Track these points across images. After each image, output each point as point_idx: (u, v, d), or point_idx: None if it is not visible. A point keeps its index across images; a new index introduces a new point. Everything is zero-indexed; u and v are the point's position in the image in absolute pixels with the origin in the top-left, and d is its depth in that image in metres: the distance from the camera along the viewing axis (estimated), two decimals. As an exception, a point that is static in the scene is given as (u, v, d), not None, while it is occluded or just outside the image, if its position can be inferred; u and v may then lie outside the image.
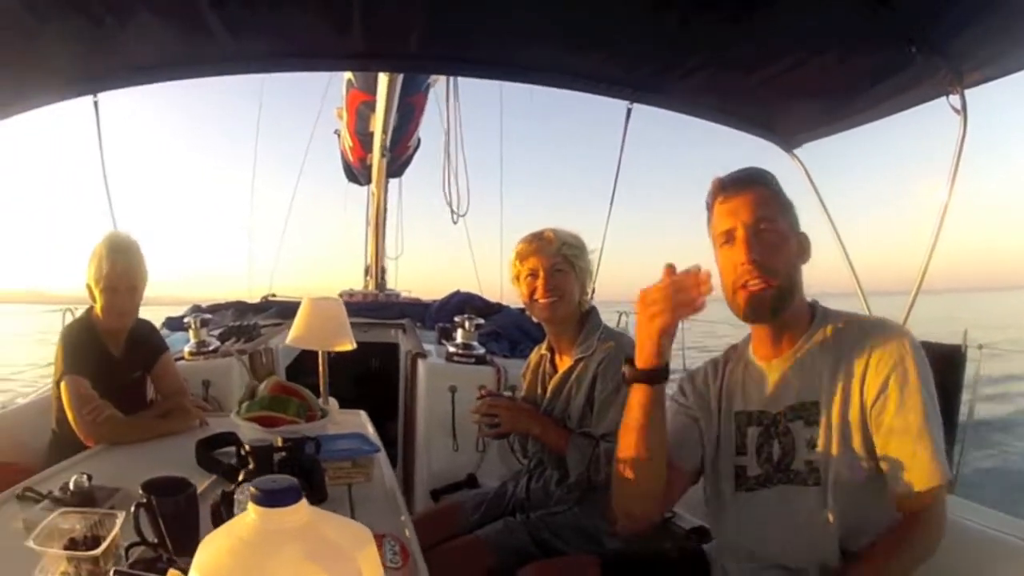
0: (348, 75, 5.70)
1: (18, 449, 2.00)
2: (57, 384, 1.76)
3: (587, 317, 1.64)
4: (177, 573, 0.81)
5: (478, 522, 1.65)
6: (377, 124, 4.95)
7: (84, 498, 1.15)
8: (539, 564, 1.38)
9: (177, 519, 0.93)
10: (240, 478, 1.00)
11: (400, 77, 4.13)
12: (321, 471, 1.18)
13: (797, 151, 2.36)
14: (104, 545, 0.86)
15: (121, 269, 1.79)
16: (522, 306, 3.72)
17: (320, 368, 1.98)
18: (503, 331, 3.13)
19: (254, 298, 4.70)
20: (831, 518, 1.03)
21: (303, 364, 3.15)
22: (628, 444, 1.07)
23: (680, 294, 0.94)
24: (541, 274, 1.57)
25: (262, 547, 0.48)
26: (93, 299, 1.84)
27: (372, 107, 5.23)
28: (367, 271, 6.17)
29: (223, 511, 0.96)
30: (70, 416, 1.67)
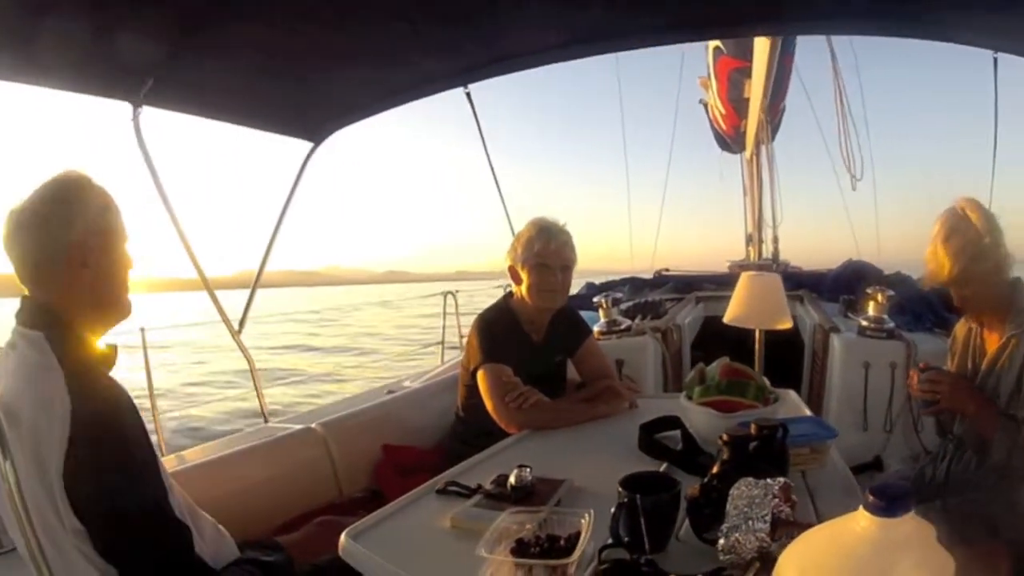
0: (714, 43, 5.64)
1: (407, 431, 2.03)
2: (472, 372, 1.74)
3: (1014, 289, 1.51)
4: None
5: None
6: (754, 89, 4.82)
7: (525, 493, 1.05)
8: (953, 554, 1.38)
9: (657, 517, 0.87)
10: (715, 470, 0.93)
11: (780, 40, 3.96)
12: (788, 459, 1.06)
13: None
14: (579, 550, 0.78)
15: (556, 247, 1.76)
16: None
17: (756, 347, 1.94)
18: (907, 303, 2.80)
19: (638, 272, 4.89)
20: None
21: (706, 339, 3.22)
22: None
23: None
24: (961, 258, 1.49)
25: (876, 563, 0.45)
26: (517, 281, 1.81)
27: (745, 73, 5.13)
28: (748, 240, 6.07)
29: (703, 508, 0.88)
30: (489, 404, 1.64)
